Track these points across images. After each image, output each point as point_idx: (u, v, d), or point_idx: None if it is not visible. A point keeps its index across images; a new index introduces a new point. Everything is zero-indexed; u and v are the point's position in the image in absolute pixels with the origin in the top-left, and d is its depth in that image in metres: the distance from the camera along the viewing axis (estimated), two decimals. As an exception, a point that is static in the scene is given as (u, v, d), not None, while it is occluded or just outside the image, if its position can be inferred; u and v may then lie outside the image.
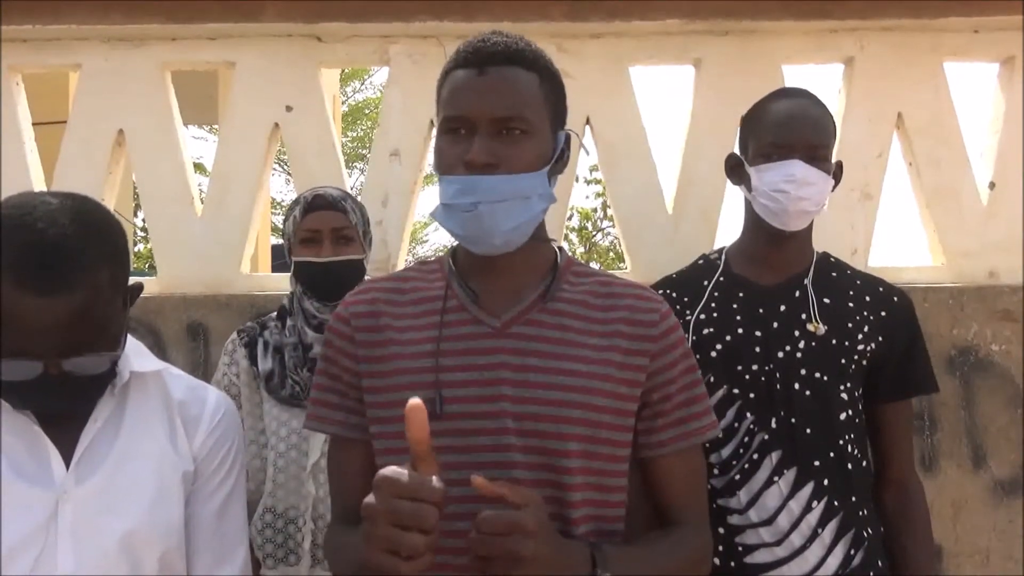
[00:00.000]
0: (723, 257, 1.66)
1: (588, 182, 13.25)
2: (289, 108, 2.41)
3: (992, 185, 2.42)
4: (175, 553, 1.18)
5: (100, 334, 1.09)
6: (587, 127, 2.41)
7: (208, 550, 1.22)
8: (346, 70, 13.61)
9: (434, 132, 2.47)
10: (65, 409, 1.13)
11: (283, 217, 1.98)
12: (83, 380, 1.09)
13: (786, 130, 1.53)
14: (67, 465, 1.14)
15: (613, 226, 10.53)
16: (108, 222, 1.13)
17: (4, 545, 1.08)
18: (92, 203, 1.14)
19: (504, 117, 1.08)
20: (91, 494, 1.13)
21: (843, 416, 1.53)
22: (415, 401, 0.92)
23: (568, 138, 1.16)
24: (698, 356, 1.44)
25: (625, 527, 1.16)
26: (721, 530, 1.52)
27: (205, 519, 1.22)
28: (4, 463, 1.11)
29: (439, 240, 17.44)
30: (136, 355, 1.22)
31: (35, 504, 1.11)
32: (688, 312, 1.58)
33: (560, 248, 1.21)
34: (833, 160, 1.59)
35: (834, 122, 1.61)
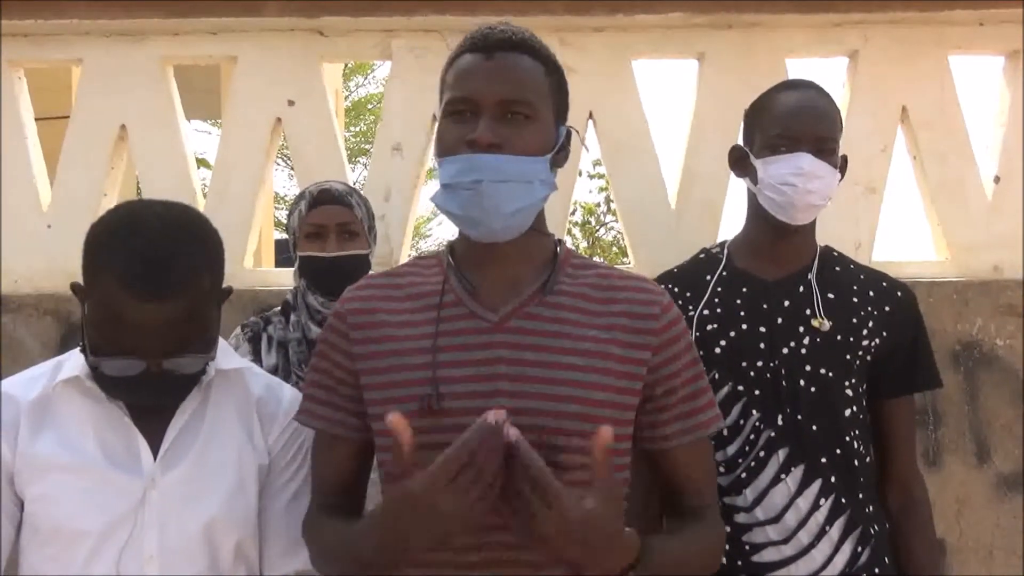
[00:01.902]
0: (725, 251, 1.65)
1: (591, 176, 13.22)
2: (291, 102, 2.41)
3: (997, 179, 2.41)
4: (249, 542, 1.26)
5: (199, 336, 1.18)
6: (590, 121, 2.40)
7: (277, 543, 1.28)
8: (349, 65, 13.59)
9: (436, 126, 2.49)
10: (160, 404, 1.21)
11: (287, 212, 1.98)
12: (179, 377, 1.18)
13: (794, 122, 1.52)
14: (155, 455, 1.22)
15: (616, 221, 10.52)
16: (209, 230, 1.23)
17: (98, 526, 1.17)
18: (193, 211, 1.24)
19: (510, 100, 1.09)
20: (176, 483, 1.21)
21: (848, 412, 1.52)
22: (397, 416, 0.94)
23: (569, 133, 1.17)
24: (701, 352, 1.44)
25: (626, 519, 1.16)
26: (728, 528, 1.50)
27: (276, 512, 1.29)
28: (99, 452, 1.21)
29: (442, 235, 17.44)
30: (221, 352, 1.29)
31: (126, 490, 1.20)
32: (691, 307, 1.57)
33: (559, 241, 1.21)
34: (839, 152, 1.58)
35: (840, 114, 1.59)
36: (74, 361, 1.24)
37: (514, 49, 1.11)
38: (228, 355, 1.32)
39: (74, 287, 1.21)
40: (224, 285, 1.26)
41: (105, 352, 1.15)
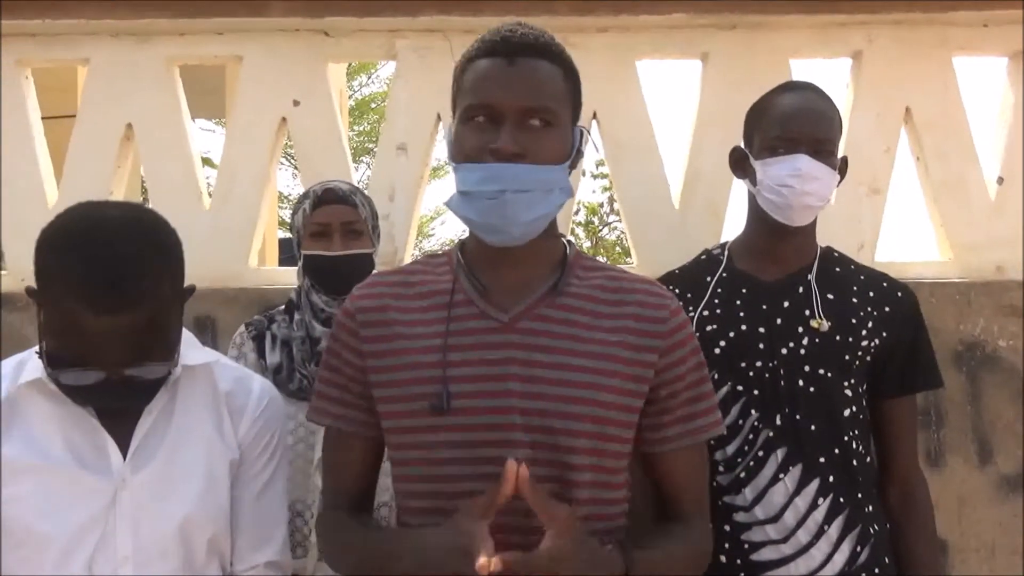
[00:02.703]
0: (726, 252, 1.66)
1: (595, 176, 13.23)
2: (296, 102, 2.42)
3: (1000, 180, 2.41)
4: (222, 536, 1.25)
5: (160, 344, 1.16)
6: (594, 121, 2.41)
7: (248, 533, 1.28)
8: (353, 64, 13.60)
9: (441, 126, 2.50)
10: (124, 407, 1.19)
11: (291, 211, 1.99)
12: (142, 382, 1.16)
13: (792, 124, 1.53)
14: (124, 455, 1.21)
15: (620, 220, 10.52)
16: (167, 233, 1.19)
17: (68, 528, 1.17)
18: (151, 214, 1.20)
19: (532, 108, 1.08)
20: (146, 482, 1.21)
21: (847, 412, 1.53)
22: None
23: (583, 135, 1.17)
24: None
25: (628, 522, 1.16)
26: (727, 527, 1.51)
27: (246, 503, 1.29)
28: (67, 453, 1.19)
29: (445, 234, 17.46)
30: (188, 347, 1.27)
31: (96, 491, 1.19)
32: (691, 308, 1.58)
33: (569, 242, 1.21)
34: (839, 154, 1.58)
35: (840, 116, 1.60)
36: (36, 361, 1.21)
37: (535, 54, 1.11)
38: (195, 350, 1.30)
39: (29, 291, 1.17)
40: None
41: (62, 362, 1.12)
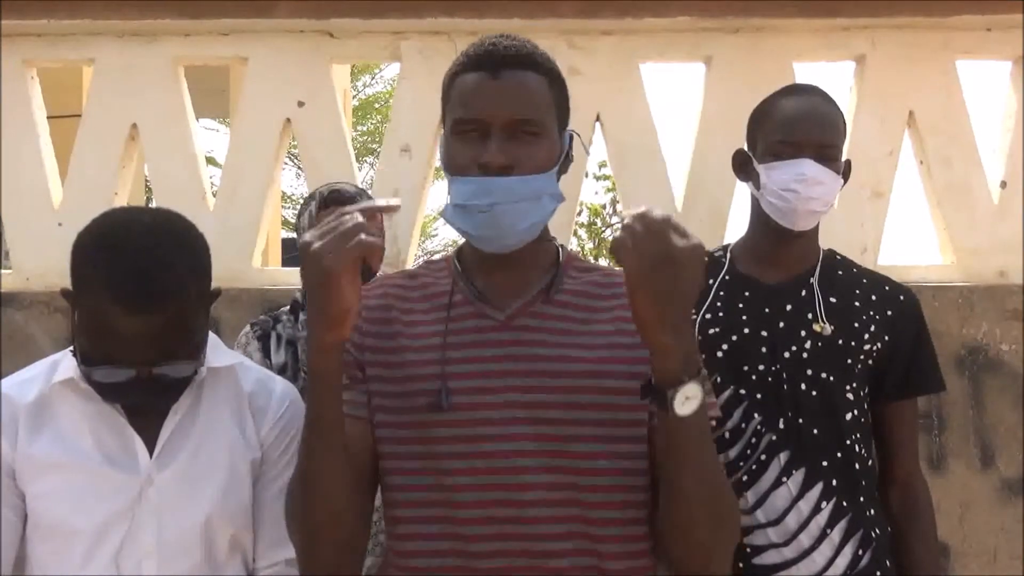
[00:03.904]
0: (728, 255, 1.66)
1: (598, 178, 13.23)
2: (301, 103, 2.43)
3: (1003, 184, 2.42)
4: (244, 533, 1.29)
5: (187, 343, 1.20)
6: (597, 123, 2.42)
7: (268, 531, 1.31)
8: (356, 64, 13.61)
9: (442, 138, 2.50)
10: (153, 405, 1.23)
11: (297, 212, 2.00)
12: (170, 381, 1.20)
13: (796, 128, 1.52)
14: (150, 454, 1.25)
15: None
16: (196, 237, 1.23)
17: (96, 523, 1.21)
18: (180, 219, 1.24)
19: (518, 120, 1.10)
20: (171, 480, 1.25)
21: (849, 416, 1.53)
22: None
23: (572, 138, 1.18)
24: (704, 356, 1.45)
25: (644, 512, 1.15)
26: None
27: (266, 502, 1.31)
28: (97, 451, 1.24)
29: (448, 235, 17.47)
30: (212, 349, 1.30)
31: (123, 488, 1.23)
32: (693, 311, 1.58)
33: (561, 246, 1.23)
34: (842, 158, 1.59)
35: (844, 120, 1.60)
36: (69, 361, 1.25)
37: (519, 66, 1.12)
38: (219, 351, 1.33)
39: (64, 293, 1.22)
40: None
41: (94, 360, 1.17)
